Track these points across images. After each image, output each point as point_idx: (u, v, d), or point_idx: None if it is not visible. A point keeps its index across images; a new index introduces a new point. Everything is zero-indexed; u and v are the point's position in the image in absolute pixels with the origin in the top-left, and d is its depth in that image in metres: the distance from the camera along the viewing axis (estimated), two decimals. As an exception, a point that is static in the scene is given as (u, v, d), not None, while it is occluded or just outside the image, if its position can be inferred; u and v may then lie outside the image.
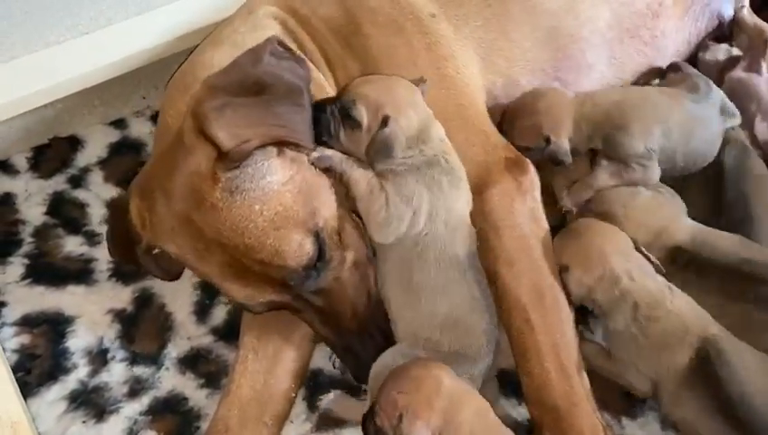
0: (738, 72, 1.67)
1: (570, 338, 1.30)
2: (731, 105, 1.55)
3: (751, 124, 1.59)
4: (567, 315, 1.31)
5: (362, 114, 1.28)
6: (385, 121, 1.27)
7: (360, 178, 1.29)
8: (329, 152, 1.29)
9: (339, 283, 1.28)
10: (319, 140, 1.29)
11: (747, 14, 1.73)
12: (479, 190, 1.35)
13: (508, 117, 1.49)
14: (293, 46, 1.41)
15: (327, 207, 1.27)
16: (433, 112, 1.36)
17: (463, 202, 1.31)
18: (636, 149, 1.44)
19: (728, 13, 1.85)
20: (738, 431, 1.17)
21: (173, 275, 1.43)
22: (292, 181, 1.23)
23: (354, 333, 1.29)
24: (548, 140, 1.45)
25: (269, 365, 1.42)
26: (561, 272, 1.31)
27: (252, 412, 1.38)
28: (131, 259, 1.36)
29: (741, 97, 1.60)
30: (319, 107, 1.30)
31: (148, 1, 1.78)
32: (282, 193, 1.21)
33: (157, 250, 1.29)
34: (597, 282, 1.29)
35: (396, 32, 1.45)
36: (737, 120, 1.55)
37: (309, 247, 1.22)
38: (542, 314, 1.29)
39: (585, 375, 1.30)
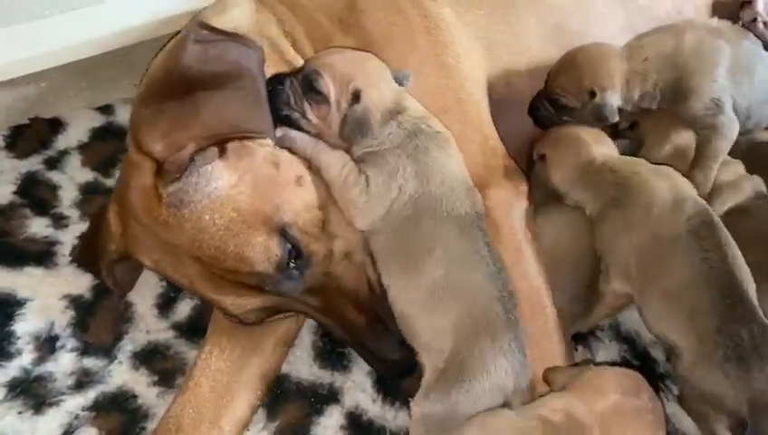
0: None
1: (556, 341, 1.21)
2: None
3: None
4: (554, 324, 1.22)
5: (328, 86, 1.15)
6: (356, 96, 1.15)
7: (333, 161, 1.17)
8: (293, 133, 1.17)
9: (331, 278, 1.16)
10: (278, 118, 1.16)
11: None
12: (479, 188, 1.24)
13: (550, 78, 1.38)
14: (271, 24, 1.31)
15: (295, 199, 1.14)
16: (429, 103, 1.26)
17: (455, 163, 1.19)
18: (704, 101, 1.31)
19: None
20: (722, 298, 1.10)
21: (126, 289, 1.39)
22: (242, 181, 1.11)
23: (364, 328, 1.16)
24: (593, 94, 1.32)
25: (234, 366, 1.30)
26: (537, 162, 1.32)
27: (208, 414, 1.26)
28: (93, 267, 1.31)
29: None
30: (276, 80, 1.17)
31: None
32: (232, 197, 1.10)
33: (123, 263, 1.25)
34: (574, 160, 1.28)
35: (394, 11, 1.36)
36: None
37: (275, 248, 1.10)
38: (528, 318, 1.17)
39: None
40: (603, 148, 1.32)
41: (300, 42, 1.33)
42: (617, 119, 1.33)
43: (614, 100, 1.33)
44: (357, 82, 1.16)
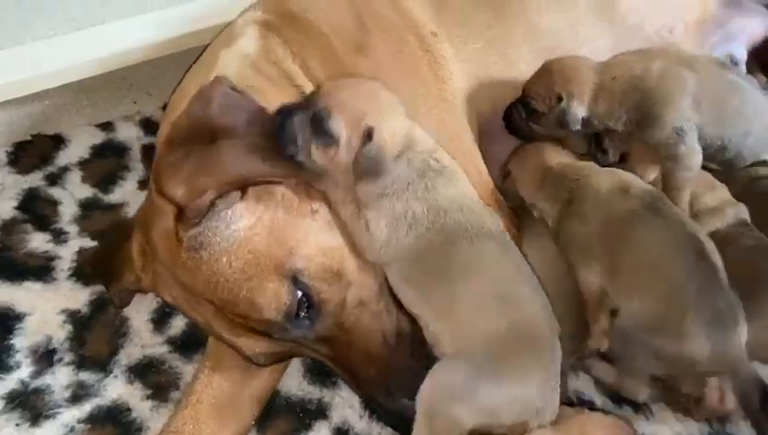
0: None
1: None
2: None
3: None
4: None
5: (340, 127, 1.10)
6: (369, 134, 1.11)
7: (339, 198, 1.15)
8: None
9: (342, 329, 1.14)
10: (283, 154, 1.13)
11: None
12: None
13: (527, 84, 1.41)
14: (278, 48, 1.32)
15: (310, 242, 1.13)
16: (431, 135, 1.25)
17: (466, 189, 1.19)
18: (667, 130, 1.32)
19: (741, 55, 1.81)
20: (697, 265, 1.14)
21: (125, 304, 1.40)
22: (260, 222, 1.11)
23: (374, 380, 1.14)
24: (560, 99, 1.34)
25: (235, 386, 1.32)
26: (506, 180, 1.36)
27: (207, 430, 1.29)
28: (102, 280, 1.34)
29: None
30: (284, 113, 1.11)
31: (147, 3, 1.75)
32: (249, 238, 1.10)
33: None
34: (533, 171, 1.33)
35: (400, 40, 1.39)
36: None
37: (285, 296, 1.09)
38: None
39: None
40: (560, 157, 1.36)
41: (309, 64, 1.31)
42: (578, 127, 1.34)
43: (579, 109, 1.34)
44: (369, 120, 1.12)
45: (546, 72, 1.38)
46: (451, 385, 1.05)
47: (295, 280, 1.11)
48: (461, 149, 1.34)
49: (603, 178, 1.27)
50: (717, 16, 1.69)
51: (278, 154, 1.12)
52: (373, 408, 1.17)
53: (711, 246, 1.17)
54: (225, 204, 1.10)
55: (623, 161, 1.43)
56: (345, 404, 1.37)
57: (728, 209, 1.34)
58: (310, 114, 1.11)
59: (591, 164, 1.33)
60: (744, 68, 1.69)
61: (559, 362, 1.09)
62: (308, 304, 1.11)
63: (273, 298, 1.09)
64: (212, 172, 1.09)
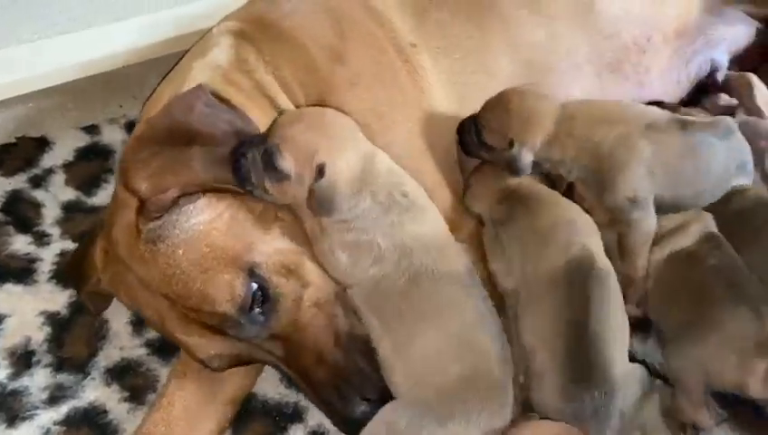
0: (740, 116, 1.60)
1: None
2: (748, 164, 1.39)
3: (762, 159, 1.47)
4: None
5: (289, 164, 1.12)
6: (321, 170, 1.12)
7: (306, 217, 1.18)
8: None
9: (297, 327, 1.15)
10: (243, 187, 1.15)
11: None
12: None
13: (484, 108, 1.36)
14: (251, 56, 1.32)
15: (268, 243, 1.15)
16: (412, 144, 1.30)
17: (434, 225, 1.19)
18: (620, 197, 1.29)
19: (722, 61, 1.81)
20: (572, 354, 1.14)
21: (102, 309, 1.41)
22: (220, 218, 1.14)
23: (326, 382, 1.15)
24: (511, 144, 1.31)
25: (208, 388, 1.32)
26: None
27: (179, 432, 1.30)
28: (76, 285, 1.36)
29: (748, 137, 1.47)
30: (239, 150, 1.13)
31: (132, 7, 1.76)
32: (208, 232, 1.13)
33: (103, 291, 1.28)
34: (491, 190, 1.32)
35: (379, 50, 1.39)
36: (746, 181, 1.39)
37: (239, 288, 1.11)
38: None
39: None
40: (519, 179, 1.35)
41: (283, 73, 1.32)
42: (528, 172, 1.32)
43: (529, 156, 1.31)
44: (321, 155, 1.12)
45: (504, 109, 1.33)
46: (395, 429, 1.08)
47: (252, 273, 1.12)
48: (437, 161, 1.35)
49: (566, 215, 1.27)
50: (699, 24, 1.70)
51: None
52: (327, 413, 1.17)
53: (608, 338, 1.15)
54: (188, 200, 1.13)
55: (570, 190, 1.38)
56: (321, 408, 1.38)
57: (693, 226, 1.31)
58: (261, 150, 1.13)
59: (557, 194, 1.32)
60: (723, 74, 1.71)
61: (510, 407, 1.12)
62: (263, 299, 1.13)
63: (228, 290, 1.10)
64: (180, 173, 1.12)
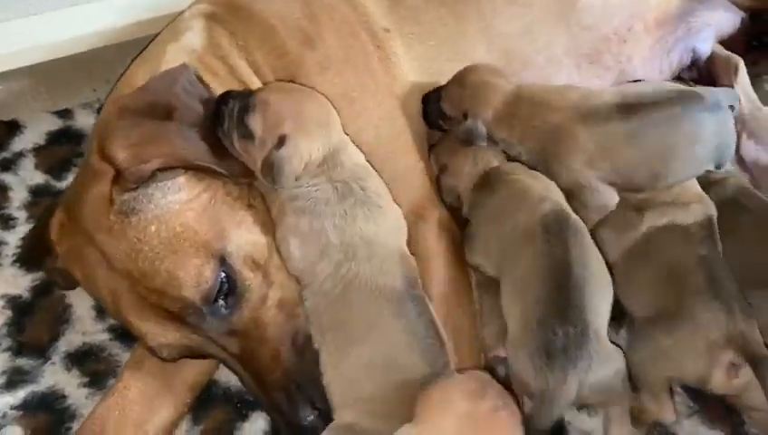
0: None
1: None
2: (728, 148, 1.33)
3: (737, 145, 1.45)
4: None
5: (256, 125, 1.14)
6: (281, 141, 1.14)
7: (272, 201, 1.17)
8: None
9: (257, 325, 1.14)
10: (215, 132, 1.17)
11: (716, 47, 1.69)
12: (419, 219, 1.28)
13: (449, 81, 1.38)
14: (224, 40, 1.31)
15: (241, 232, 1.14)
16: (382, 130, 1.29)
17: (386, 230, 1.16)
18: (566, 181, 1.29)
19: (704, 50, 1.79)
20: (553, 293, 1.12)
21: (71, 286, 1.35)
22: (197, 200, 1.13)
23: (280, 387, 1.13)
24: (465, 116, 1.33)
25: (165, 373, 1.30)
26: (441, 175, 1.35)
27: (134, 416, 1.27)
28: (38, 263, 1.33)
29: None
30: (224, 99, 1.18)
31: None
32: (183, 212, 1.11)
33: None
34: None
35: (350, 33, 1.37)
36: (728, 166, 1.37)
37: (208, 274, 1.09)
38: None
39: None
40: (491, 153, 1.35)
41: (254, 56, 1.31)
42: (482, 144, 1.33)
43: (482, 129, 1.32)
44: (286, 128, 1.14)
45: (459, 83, 1.35)
46: None
47: (222, 261, 1.11)
48: (407, 146, 1.35)
49: (532, 183, 1.26)
50: (680, 11, 1.68)
51: (227, 150, 1.17)
52: (275, 417, 1.15)
53: (588, 281, 1.13)
54: (168, 175, 1.12)
55: None
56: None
57: (695, 205, 1.29)
58: (240, 104, 1.16)
59: (521, 165, 1.32)
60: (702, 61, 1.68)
61: None
62: (228, 291, 1.11)
63: (196, 274, 1.09)
64: (161, 145, 1.11)
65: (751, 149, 1.52)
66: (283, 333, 1.15)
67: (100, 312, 1.46)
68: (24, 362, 1.39)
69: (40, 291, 1.48)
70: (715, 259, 1.23)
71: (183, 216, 1.11)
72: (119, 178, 1.10)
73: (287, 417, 1.13)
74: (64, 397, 1.35)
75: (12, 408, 1.33)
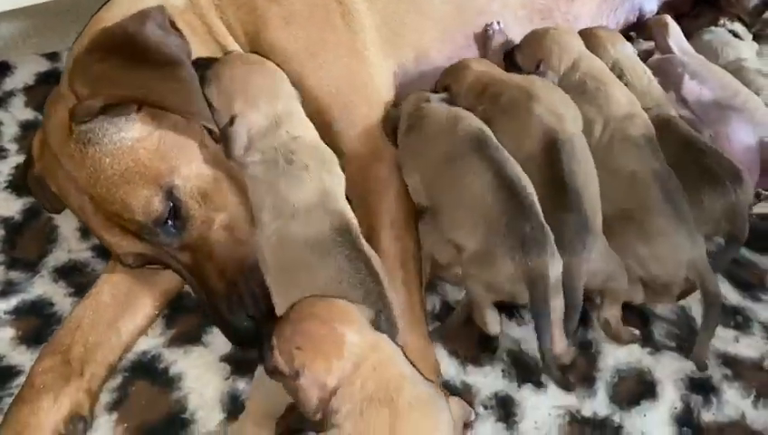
0: (656, 56, 1.75)
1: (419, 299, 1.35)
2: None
3: (678, 86, 1.62)
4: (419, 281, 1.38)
5: (214, 98, 1.27)
6: (232, 120, 1.25)
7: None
8: None
9: (205, 242, 1.27)
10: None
11: None
12: (375, 159, 1.41)
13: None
14: None
15: (190, 166, 1.25)
16: (341, 84, 1.39)
17: (309, 194, 1.23)
18: None
19: (650, 8, 1.90)
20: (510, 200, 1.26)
21: (55, 208, 1.46)
22: (150, 138, 1.22)
23: (221, 294, 1.26)
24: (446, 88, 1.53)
25: (136, 280, 1.42)
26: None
27: (106, 316, 1.39)
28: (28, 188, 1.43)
29: (666, 69, 1.65)
30: (199, 65, 1.28)
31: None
32: (135, 149, 1.21)
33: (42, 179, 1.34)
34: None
35: None
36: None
37: (157, 204, 1.21)
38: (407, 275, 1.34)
39: None
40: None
41: (227, 13, 1.41)
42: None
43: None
44: (236, 107, 1.25)
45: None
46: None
47: (170, 194, 1.23)
48: (369, 98, 1.46)
49: (442, 112, 1.40)
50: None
51: (189, 96, 1.23)
52: (215, 319, 1.30)
53: (525, 183, 1.28)
54: (122, 111, 1.21)
55: None
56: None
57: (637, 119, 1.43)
58: (200, 75, 1.27)
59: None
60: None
61: None
62: (176, 215, 1.24)
63: (146, 203, 1.21)
64: (118, 84, 1.20)
65: (694, 89, 1.62)
66: (230, 253, 1.27)
67: (85, 232, 1.61)
68: (15, 274, 1.54)
69: (30, 214, 1.63)
70: (669, 175, 1.36)
71: (135, 152, 1.21)
72: (74, 109, 1.18)
73: (225, 319, 1.27)
74: (52, 304, 1.49)
75: (5, 313, 1.47)
